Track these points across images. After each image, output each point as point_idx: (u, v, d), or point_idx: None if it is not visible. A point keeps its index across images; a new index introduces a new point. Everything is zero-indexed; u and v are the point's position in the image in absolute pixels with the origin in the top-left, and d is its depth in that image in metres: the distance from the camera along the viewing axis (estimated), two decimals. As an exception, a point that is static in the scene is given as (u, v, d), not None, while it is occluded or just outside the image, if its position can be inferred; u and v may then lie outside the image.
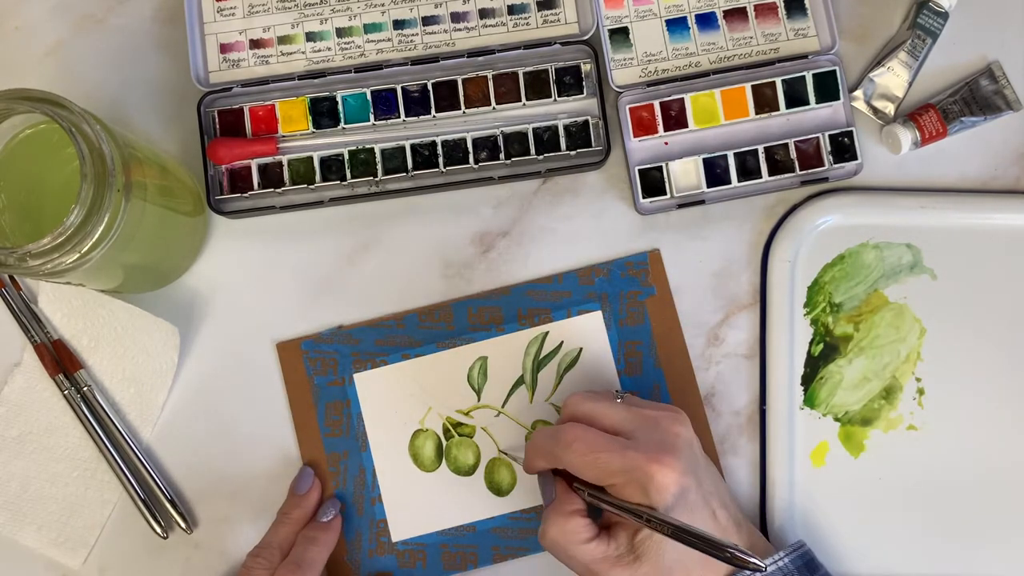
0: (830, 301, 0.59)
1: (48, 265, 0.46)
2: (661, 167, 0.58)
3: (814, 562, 0.52)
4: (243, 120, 0.59)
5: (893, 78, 0.60)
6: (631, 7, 0.60)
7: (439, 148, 0.59)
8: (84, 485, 0.59)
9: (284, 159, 0.59)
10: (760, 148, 0.58)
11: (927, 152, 0.60)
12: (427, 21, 0.60)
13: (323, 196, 0.59)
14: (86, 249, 0.47)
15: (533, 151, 0.59)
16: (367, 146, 0.59)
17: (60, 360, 0.59)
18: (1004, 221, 0.59)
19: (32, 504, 0.58)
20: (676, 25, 0.60)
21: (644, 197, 0.58)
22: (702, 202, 0.59)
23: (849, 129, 0.58)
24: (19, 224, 0.50)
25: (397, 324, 0.59)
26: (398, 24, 0.60)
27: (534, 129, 0.59)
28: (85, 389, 0.58)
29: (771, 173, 0.58)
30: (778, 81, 0.59)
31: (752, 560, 0.44)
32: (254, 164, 0.59)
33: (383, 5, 0.60)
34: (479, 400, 0.59)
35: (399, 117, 0.59)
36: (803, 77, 0.59)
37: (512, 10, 0.60)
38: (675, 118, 0.59)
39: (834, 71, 0.59)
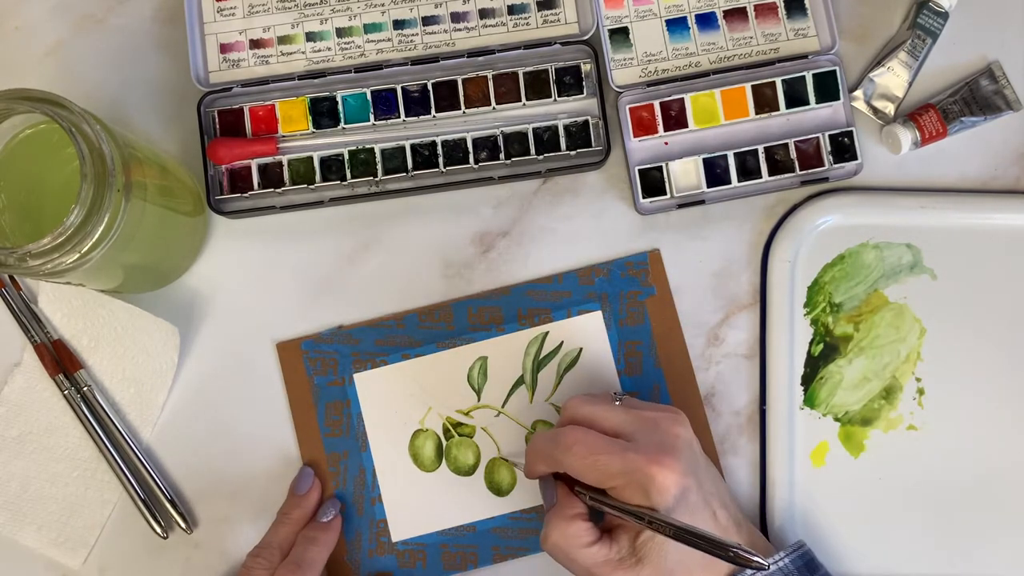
0: (830, 301, 0.59)
1: (48, 265, 0.46)
2: (661, 167, 0.58)
3: (814, 562, 0.52)
4: (243, 120, 0.59)
5: (893, 78, 0.60)
6: (631, 7, 0.60)
7: (439, 148, 0.59)
8: (84, 485, 0.59)
9: (284, 159, 0.59)
10: (760, 148, 0.58)
11: (927, 152, 0.60)
12: (427, 21, 0.60)
13: (323, 196, 0.59)
14: (86, 249, 0.46)
15: (533, 151, 0.59)
16: (367, 146, 0.59)
17: (60, 360, 0.59)
18: (1004, 221, 0.59)
19: (32, 504, 0.58)
20: (676, 25, 0.60)
21: (644, 197, 0.58)
22: (702, 202, 0.59)
23: (849, 129, 0.58)
24: (19, 224, 0.50)
25: (397, 324, 0.59)
26: (398, 24, 0.60)
27: (534, 129, 0.59)
28: (85, 389, 0.58)
29: (771, 173, 0.58)
30: (778, 81, 0.59)
31: (755, 559, 0.44)
32: (254, 164, 0.59)
33: (383, 5, 0.60)
34: (479, 400, 0.59)
35: (399, 117, 0.59)
36: (803, 77, 0.59)
37: (512, 10, 0.60)
38: (675, 118, 0.59)
39: (834, 71, 0.59)
